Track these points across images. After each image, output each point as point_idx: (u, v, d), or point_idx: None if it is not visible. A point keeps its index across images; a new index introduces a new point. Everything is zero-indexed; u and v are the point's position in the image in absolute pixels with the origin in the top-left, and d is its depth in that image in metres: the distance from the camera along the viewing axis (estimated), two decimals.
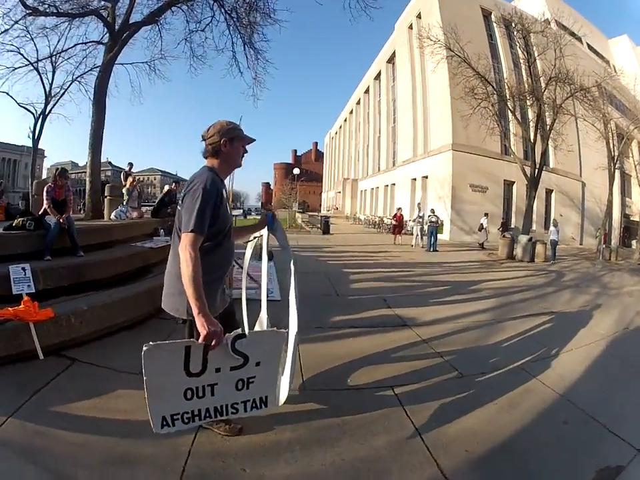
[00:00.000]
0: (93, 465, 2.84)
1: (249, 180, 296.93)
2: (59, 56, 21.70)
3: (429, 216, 21.86)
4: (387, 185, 44.48)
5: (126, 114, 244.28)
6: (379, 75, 53.47)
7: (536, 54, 22.25)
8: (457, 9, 30.16)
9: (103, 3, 15.92)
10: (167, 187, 13.35)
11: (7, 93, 22.86)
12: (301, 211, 54.80)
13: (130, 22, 15.11)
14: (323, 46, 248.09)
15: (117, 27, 15.03)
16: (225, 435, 3.21)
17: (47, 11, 15.68)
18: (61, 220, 6.93)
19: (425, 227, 21.93)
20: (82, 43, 19.54)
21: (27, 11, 15.89)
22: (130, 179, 13.93)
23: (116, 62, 18.48)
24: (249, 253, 4.30)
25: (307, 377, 4.46)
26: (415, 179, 35.95)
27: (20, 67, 20.90)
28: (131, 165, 16.96)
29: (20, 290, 4.85)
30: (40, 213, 7.46)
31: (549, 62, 21.31)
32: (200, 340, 2.48)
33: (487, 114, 22.01)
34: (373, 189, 52.06)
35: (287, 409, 3.54)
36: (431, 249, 20.07)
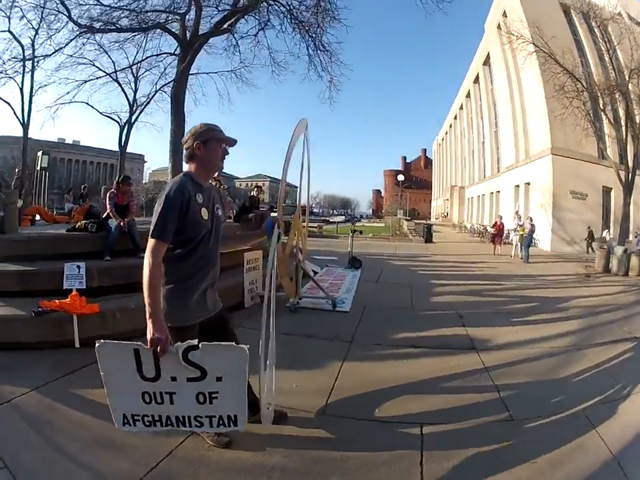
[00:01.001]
0: (83, 441, 3.24)
1: (360, 186, 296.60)
2: (139, 67, 23.01)
3: (527, 225, 20.34)
4: (492, 193, 42.45)
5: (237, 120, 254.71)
6: (477, 78, 51.91)
7: (615, 44, 21.38)
8: (539, 5, 28.56)
9: (169, 16, 16.56)
10: (251, 193, 13.74)
11: (87, 103, 24.06)
12: (408, 218, 54.26)
13: (199, 33, 15.54)
14: (429, 47, 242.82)
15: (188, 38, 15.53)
16: (211, 445, 3.21)
17: (104, 28, 16.39)
18: (122, 224, 7.45)
19: (518, 237, 20.48)
20: (155, 55, 20.73)
21: (81, 30, 16.57)
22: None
23: (202, 72, 20.37)
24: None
25: (333, 399, 4.20)
26: (518, 186, 34.12)
27: (94, 79, 22.14)
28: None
29: (71, 285, 5.30)
30: (103, 216, 7.95)
31: (627, 54, 20.46)
32: (148, 345, 2.53)
33: (580, 114, 20.59)
34: (479, 196, 49.90)
35: (292, 431, 3.48)
36: (527, 261, 18.73)
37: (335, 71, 17.50)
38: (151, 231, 2.63)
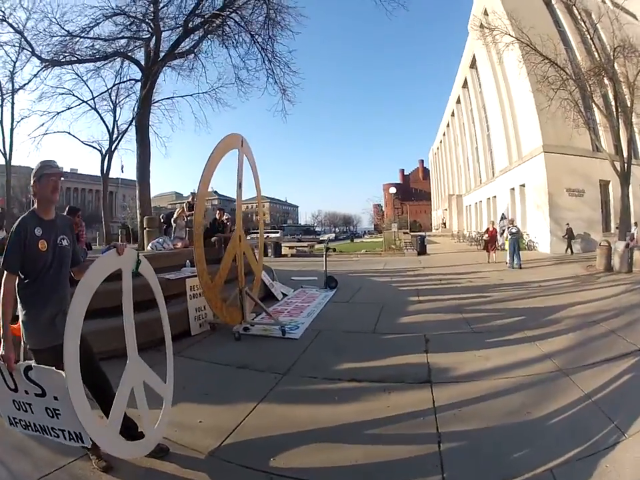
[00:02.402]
0: None
1: (362, 202, 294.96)
2: (118, 93, 22.89)
3: (508, 227, 19.27)
4: (489, 198, 40.93)
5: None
6: (465, 82, 51.15)
7: (596, 22, 20.84)
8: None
9: (134, 42, 16.41)
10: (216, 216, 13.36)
11: (69, 132, 23.76)
12: (407, 231, 53.30)
13: (159, 58, 15.38)
14: (419, 59, 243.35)
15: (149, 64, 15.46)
16: (94, 467, 3.24)
17: (66, 60, 16.35)
18: None
19: (503, 240, 19.35)
20: (121, 82, 20.47)
21: (44, 64, 16.68)
22: (178, 210, 13.62)
23: (181, 95, 20.36)
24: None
25: (232, 441, 3.70)
26: (513, 189, 32.79)
27: (73, 107, 21.48)
28: (193, 194, 15.87)
29: None
30: None
31: (609, 33, 19.87)
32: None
33: (568, 105, 19.41)
34: (476, 203, 48.31)
35: (172, 469, 3.27)
36: (513, 266, 17.26)
37: (289, 81, 17.42)
38: (1, 264, 2.95)
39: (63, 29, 15.33)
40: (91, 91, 21.53)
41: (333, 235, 70.24)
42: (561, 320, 7.84)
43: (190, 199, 15.49)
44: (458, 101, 57.62)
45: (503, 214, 23.72)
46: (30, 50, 16.54)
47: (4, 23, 16.44)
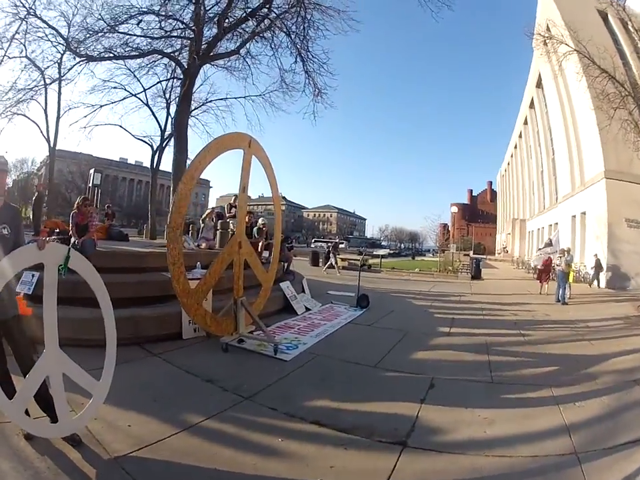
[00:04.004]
0: None
1: (427, 221, 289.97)
2: (166, 91, 23.01)
3: (559, 257, 17.26)
4: (551, 225, 37.93)
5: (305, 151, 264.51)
6: (532, 102, 48.87)
7: None
8: (576, 14, 25.89)
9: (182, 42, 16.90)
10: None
11: (120, 126, 24.14)
12: (467, 254, 51.44)
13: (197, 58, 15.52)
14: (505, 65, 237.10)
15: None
16: (19, 432, 3.55)
17: (102, 56, 16.81)
18: (76, 242, 7.95)
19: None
20: (164, 80, 21.09)
21: (80, 59, 17.26)
22: (208, 211, 13.92)
23: (234, 97, 21.01)
24: None
25: (141, 454, 3.53)
26: (574, 216, 30.25)
27: (125, 101, 22.21)
28: (235, 196, 15.65)
29: (20, 289, 5.43)
30: (69, 234, 8.59)
31: None
32: None
33: (629, 126, 17.25)
34: (538, 229, 45.39)
35: (75, 457, 3.39)
36: (559, 299, 15.33)
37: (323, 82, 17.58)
38: None
39: (105, 22, 15.72)
40: (143, 86, 21.77)
41: (388, 250, 68.84)
42: (597, 375, 6.37)
43: (232, 201, 15.24)
44: (525, 122, 55.14)
45: (550, 239, 21.66)
46: (64, 45, 17.19)
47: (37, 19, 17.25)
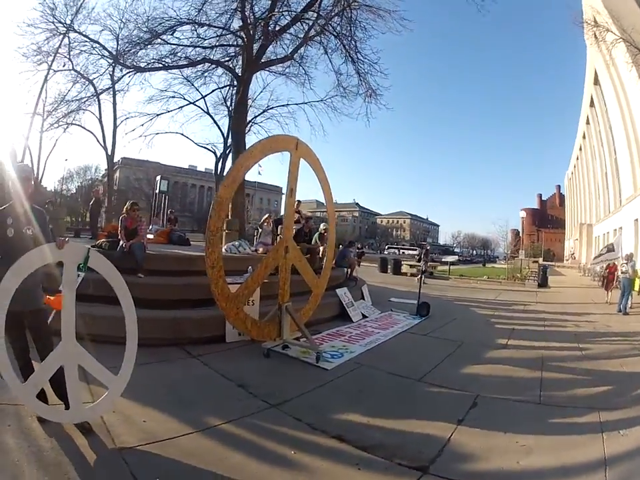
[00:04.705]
0: None
1: (499, 227, 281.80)
2: (227, 100, 23.41)
3: (623, 264, 15.99)
4: (616, 229, 35.71)
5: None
6: (592, 101, 46.89)
7: None
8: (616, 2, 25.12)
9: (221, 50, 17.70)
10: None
11: (182, 134, 24.64)
12: (536, 260, 49.83)
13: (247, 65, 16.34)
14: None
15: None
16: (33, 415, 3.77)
17: (151, 67, 17.66)
18: (124, 245, 8.36)
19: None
20: (220, 88, 21.61)
21: (128, 70, 18.29)
22: (265, 217, 14.12)
23: (296, 103, 21.58)
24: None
25: (148, 449, 3.59)
26: (637, 220, 28.64)
27: (179, 109, 22.72)
28: (299, 202, 16.32)
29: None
30: (119, 238, 8.78)
31: None
32: None
33: None
34: (604, 234, 42.99)
35: (81, 443, 3.55)
36: (621, 309, 14.29)
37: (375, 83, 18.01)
38: None
39: (149, 33, 16.53)
40: (201, 94, 22.34)
41: (456, 257, 67.55)
42: None
43: (295, 206, 15.51)
44: (587, 122, 53.00)
45: (612, 243, 20.16)
46: (110, 57, 18.39)
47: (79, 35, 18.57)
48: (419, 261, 25.04)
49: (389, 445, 4.05)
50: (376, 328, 9.75)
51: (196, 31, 16.74)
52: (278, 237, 12.51)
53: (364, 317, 10.83)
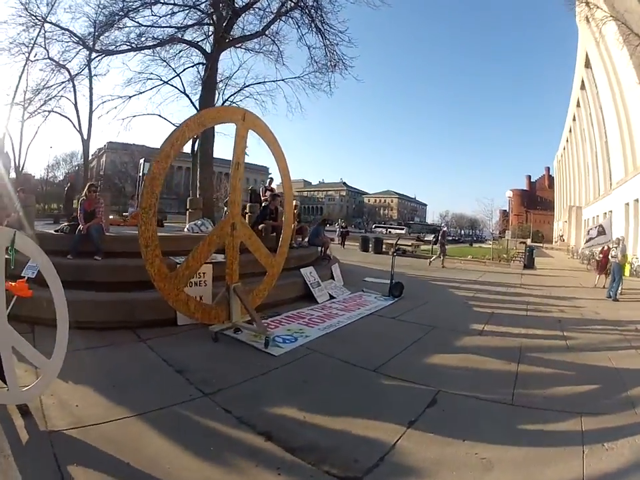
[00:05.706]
0: None
1: (488, 206, 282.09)
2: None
3: (614, 247, 15.36)
4: (605, 213, 35.01)
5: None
6: (583, 84, 46.71)
7: None
8: None
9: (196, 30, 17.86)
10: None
11: (159, 115, 24.35)
12: (524, 241, 49.27)
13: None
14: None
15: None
16: None
17: (118, 49, 17.90)
18: (82, 228, 8.18)
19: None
20: (190, 67, 21.51)
21: (96, 55, 18.51)
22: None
23: (272, 80, 21.28)
24: None
25: (74, 433, 3.51)
26: (627, 204, 28.07)
27: (151, 89, 22.43)
28: (271, 179, 17.42)
29: (25, 273, 6.01)
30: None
31: None
32: None
33: None
34: (594, 217, 42.40)
35: (18, 423, 3.61)
36: (611, 297, 13.53)
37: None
38: None
39: (115, 14, 17.05)
40: (177, 74, 22.01)
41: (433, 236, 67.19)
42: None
43: (267, 184, 16.00)
44: (578, 104, 52.94)
45: (601, 225, 19.13)
46: (79, 43, 18.61)
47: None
48: (435, 243, 24.48)
49: (321, 448, 3.49)
50: (341, 310, 9.13)
51: (166, 7, 16.90)
52: (247, 215, 11.93)
53: (331, 297, 10.25)
